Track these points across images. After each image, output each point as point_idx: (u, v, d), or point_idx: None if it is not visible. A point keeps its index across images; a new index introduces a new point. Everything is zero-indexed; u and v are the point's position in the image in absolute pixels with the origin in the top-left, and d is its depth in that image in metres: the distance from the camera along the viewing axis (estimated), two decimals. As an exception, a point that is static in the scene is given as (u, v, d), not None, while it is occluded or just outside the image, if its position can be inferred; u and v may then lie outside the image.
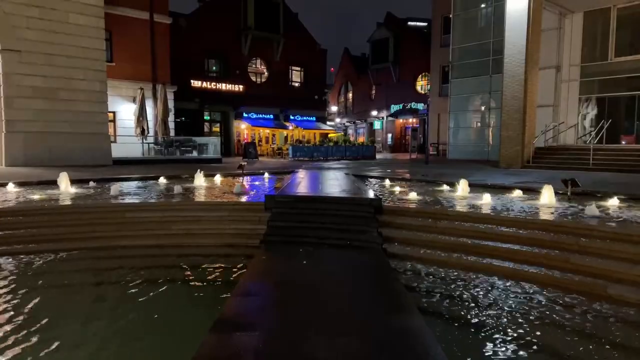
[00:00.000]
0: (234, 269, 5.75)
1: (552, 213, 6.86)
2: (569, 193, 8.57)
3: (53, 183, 9.92)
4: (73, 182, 9.75)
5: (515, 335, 3.89)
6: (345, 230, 6.57)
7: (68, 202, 7.94)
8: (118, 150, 19.72)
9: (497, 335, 3.88)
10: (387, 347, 3.18)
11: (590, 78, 20.98)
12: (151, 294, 4.91)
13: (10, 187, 9.50)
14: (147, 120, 22.29)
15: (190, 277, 5.56)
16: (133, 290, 4.99)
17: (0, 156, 16.42)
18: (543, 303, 4.59)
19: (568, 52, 21.14)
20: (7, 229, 6.71)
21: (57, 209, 7.45)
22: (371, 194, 7.93)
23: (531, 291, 4.89)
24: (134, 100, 22.61)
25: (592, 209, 6.64)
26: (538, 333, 3.93)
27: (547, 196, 7.91)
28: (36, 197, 8.41)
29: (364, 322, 3.72)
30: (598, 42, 20.66)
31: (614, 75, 20.10)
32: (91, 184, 10.45)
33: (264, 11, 33.47)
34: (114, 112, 22.32)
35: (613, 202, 7.79)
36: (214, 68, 33.09)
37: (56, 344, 3.70)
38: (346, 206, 7.28)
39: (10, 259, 5.94)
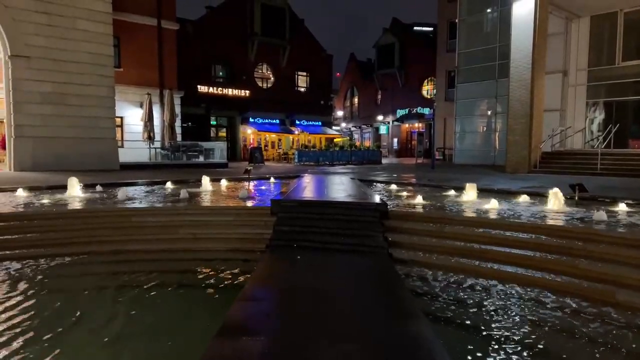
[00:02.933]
0: (240, 274, 5.76)
1: (559, 218, 6.81)
2: (576, 198, 8.51)
3: (61, 188, 10.00)
4: (80, 186, 9.82)
5: (523, 341, 3.86)
6: (350, 235, 6.56)
7: (75, 207, 7.99)
8: (125, 155, 19.86)
9: (505, 342, 3.85)
10: (392, 352, 3.17)
11: (598, 82, 20.86)
12: (157, 298, 4.93)
13: (19, 191, 9.58)
14: (154, 125, 22.44)
15: (196, 282, 5.57)
16: (139, 295, 5.01)
17: (8, 161, 16.61)
18: (551, 309, 4.55)
19: (575, 57, 21.05)
20: (15, 233, 6.78)
21: (64, 214, 7.50)
22: (377, 199, 7.92)
23: (539, 297, 4.84)
24: (141, 106, 22.75)
25: (600, 214, 6.60)
26: (547, 340, 3.90)
27: (555, 201, 7.86)
28: (44, 201, 8.49)
29: (369, 328, 3.70)
30: (605, 46, 20.56)
31: (622, 79, 19.96)
32: (98, 188, 10.52)
33: (270, 17, 33.69)
34: (121, 117, 22.46)
35: (621, 208, 7.73)
36: (221, 73, 33.29)
37: (63, 348, 3.72)
38: (352, 211, 7.27)
39: (18, 263, 5.98)
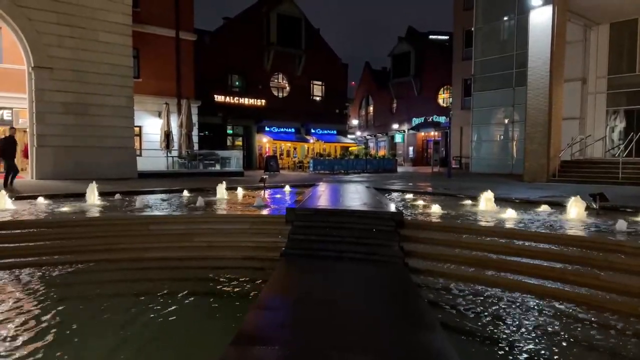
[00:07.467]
0: (255, 282, 5.76)
1: (580, 228, 6.67)
2: (597, 207, 8.32)
3: (80, 196, 10.19)
4: (99, 194, 9.99)
5: (543, 354, 3.76)
6: (366, 244, 6.51)
7: (94, 215, 8.12)
8: (143, 164, 20.17)
9: (525, 356, 3.76)
10: (409, 363, 3.12)
11: (618, 90, 20.50)
12: (173, 306, 4.95)
13: (40, 199, 9.78)
14: (171, 134, 22.78)
15: (212, 290, 5.59)
16: (155, 302, 5.03)
17: (30, 169, 17.01)
18: (572, 322, 4.43)
19: (594, 64, 20.74)
20: (34, 240, 6.91)
21: (82, 222, 7.62)
22: (392, 208, 7.87)
23: (559, 309, 4.73)
24: (159, 115, 23.15)
25: (621, 224, 6.44)
26: (569, 354, 3.80)
27: (575, 211, 7.70)
28: (63, 209, 8.64)
29: (384, 339, 3.65)
30: (625, 53, 20.22)
31: (643, 87, 19.60)
32: (117, 196, 10.68)
33: (286, 27, 34.03)
34: (139, 127, 22.88)
35: (644, 217, 7.53)
36: (237, 83, 33.65)
37: (78, 354, 3.75)
38: (367, 220, 7.22)
39: (37, 270, 6.09)
